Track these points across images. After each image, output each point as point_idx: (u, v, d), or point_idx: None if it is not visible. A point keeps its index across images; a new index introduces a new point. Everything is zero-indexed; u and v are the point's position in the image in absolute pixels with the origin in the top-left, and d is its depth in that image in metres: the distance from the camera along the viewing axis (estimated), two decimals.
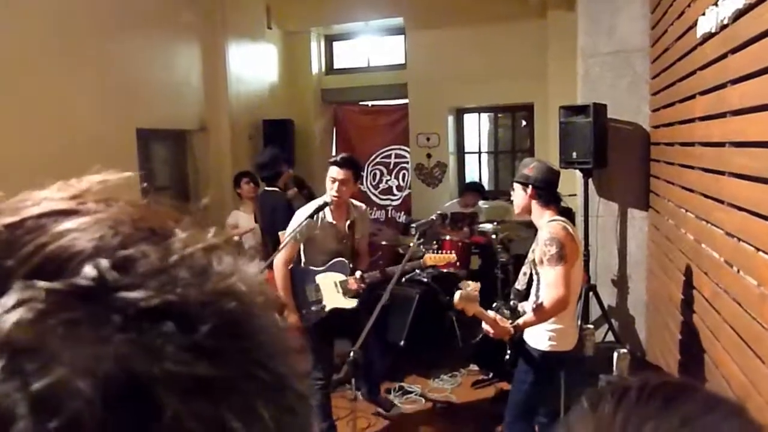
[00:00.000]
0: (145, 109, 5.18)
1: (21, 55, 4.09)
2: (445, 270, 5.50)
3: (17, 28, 4.07)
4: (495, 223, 5.62)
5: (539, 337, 2.73)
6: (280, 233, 4.39)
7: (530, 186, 2.72)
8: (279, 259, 3.45)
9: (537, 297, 2.72)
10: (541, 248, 2.62)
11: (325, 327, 3.53)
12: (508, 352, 2.74)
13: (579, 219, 4.72)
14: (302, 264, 3.55)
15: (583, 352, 3.16)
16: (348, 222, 3.50)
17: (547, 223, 2.69)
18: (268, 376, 0.27)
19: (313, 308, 3.51)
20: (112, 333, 0.24)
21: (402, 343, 4.79)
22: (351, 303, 3.45)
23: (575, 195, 5.14)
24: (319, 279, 3.50)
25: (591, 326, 3.70)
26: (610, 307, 4.56)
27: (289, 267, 3.50)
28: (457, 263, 3.13)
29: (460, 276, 5.64)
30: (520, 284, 2.79)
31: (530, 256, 2.76)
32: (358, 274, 3.38)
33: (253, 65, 6.63)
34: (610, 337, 4.38)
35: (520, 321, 2.65)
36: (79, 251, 0.26)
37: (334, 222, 3.49)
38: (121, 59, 4.93)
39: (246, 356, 0.27)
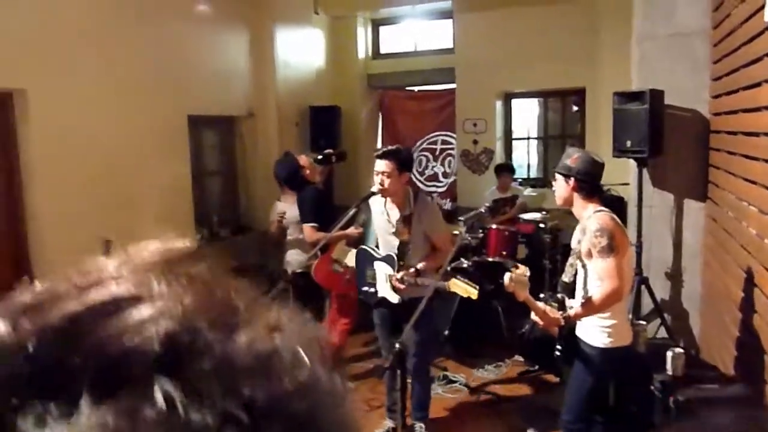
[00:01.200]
0: (195, 95, 5.28)
1: (74, 46, 4.22)
2: (491, 258, 5.45)
3: (70, 20, 4.19)
4: (543, 212, 5.51)
5: (595, 334, 2.66)
6: (304, 226, 4.43)
7: (572, 178, 2.66)
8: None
9: (585, 291, 2.66)
10: (589, 240, 2.56)
11: (387, 315, 3.59)
12: (559, 347, 2.69)
13: (632, 209, 4.58)
14: (374, 246, 3.67)
15: (636, 349, 3.08)
16: (402, 215, 3.45)
17: (594, 213, 2.63)
18: None
19: (370, 290, 3.64)
20: None
21: (446, 332, 4.78)
22: (394, 298, 3.47)
23: (628, 184, 4.99)
24: (377, 266, 3.58)
25: (643, 322, 3.60)
26: (663, 301, 4.42)
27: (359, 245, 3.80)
28: (475, 288, 3.03)
29: (507, 265, 5.59)
30: (567, 276, 2.72)
31: (575, 247, 2.69)
32: (400, 274, 3.37)
33: (300, 51, 6.65)
34: (663, 333, 4.25)
35: (571, 312, 2.60)
36: (145, 353, 0.26)
37: (388, 213, 3.49)
38: (171, 47, 5.03)
39: None
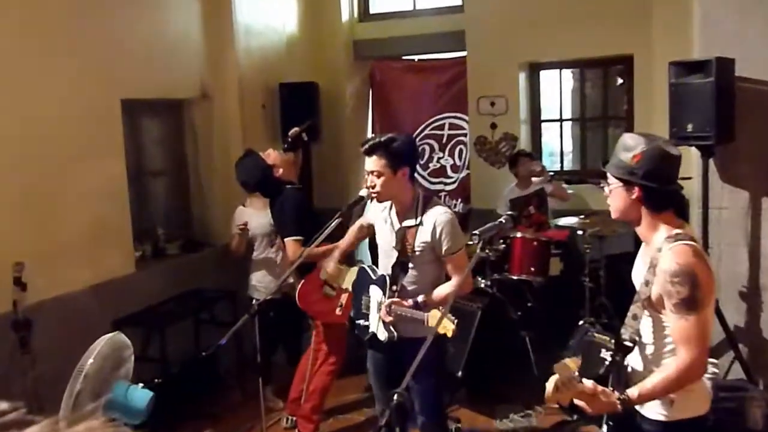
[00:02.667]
0: (131, 75, 5.22)
1: None
2: (516, 276, 5.42)
3: None
4: (581, 216, 5.49)
5: (656, 403, 2.45)
6: (287, 240, 4.39)
7: (636, 186, 2.37)
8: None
9: (655, 347, 2.44)
10: (663, 285, 2.32)
11: (382, 359, 3.55)
12: (608, 423, 2.56)
13: (695, 211, 4.56)
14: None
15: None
16: (402, 226, 3.39)
17: (667, 242, 2.35)
18: None
19: (362, 322, 3.59)
20: None
21: (460, 373, 4.74)
22: (383, 334, 3.42)
23: (690, 178, 4.96)
24: (371, 291, 3.55)
25: (715, 366, 3.56)
26: (737, 329, 4.42)
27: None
28: (453, 322, 2.99)
29: (535, 283, 5.57)
30: (627, 332, 2.46)
31: (641, 290, 2.43)
32: (388, 300, 3.32)
33: (267, 14, 6.62)
34: (737, 369, 4.23)
35: (635, 391, 2.35)
36: None
37: (392, 223, 3.45)
38: (99, 13, 4.97)
39: None
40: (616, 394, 2.37)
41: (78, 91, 4.78)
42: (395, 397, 2.49)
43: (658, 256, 2.36)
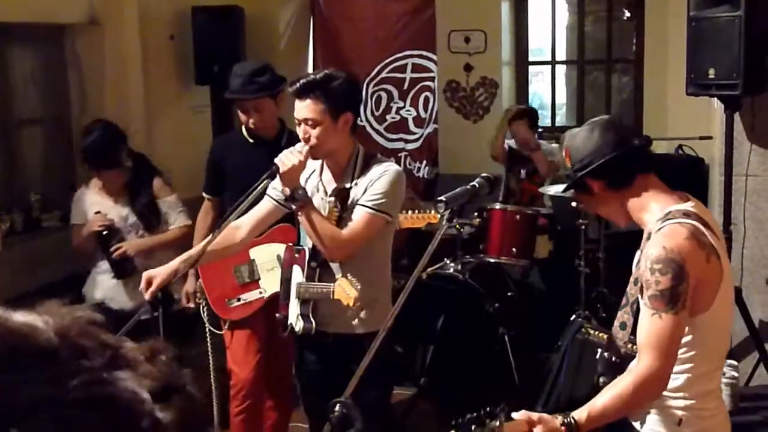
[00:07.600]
0: None
1: None
2: (493, 259, 5.47)
3: None
4: None
5: (660, 418, 2.48)
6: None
7: (595, 181, 2.50)
8: None
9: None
10: (642, 274, 2.39)
11: (314, 363, 3.59)
12: None
13: (716, 178, 4.65)
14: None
15: None
16: (337, 187, 3.40)
17: (657, 223, 2.41)
18: None
19: (282, 314, 3.61)
20: None
21: (422, 381, 4.79)
22: (298, 324, 3.46)
23: (711, 138, 5.06)
24: (294, 273, 3.55)
25: (735, 366, 3.68)
26: (762, 324, 4.53)
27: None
28: (355, 289, 3.09)
29: (518, 268, 5.62)
30: (620, 323, 2.54)
31: (629, 291, 2.53)
32: (299, 281, 3.39)
33: None
34: (762, 374, 4.36)
35: (582, 413, 2.33)
36: None
37: (325, 187, 3.45)
38: None
39: None
40: (560, 418, 2.31)
41: None
42: (337, 408, 2.51)
43: (647, 243, 2.41)
